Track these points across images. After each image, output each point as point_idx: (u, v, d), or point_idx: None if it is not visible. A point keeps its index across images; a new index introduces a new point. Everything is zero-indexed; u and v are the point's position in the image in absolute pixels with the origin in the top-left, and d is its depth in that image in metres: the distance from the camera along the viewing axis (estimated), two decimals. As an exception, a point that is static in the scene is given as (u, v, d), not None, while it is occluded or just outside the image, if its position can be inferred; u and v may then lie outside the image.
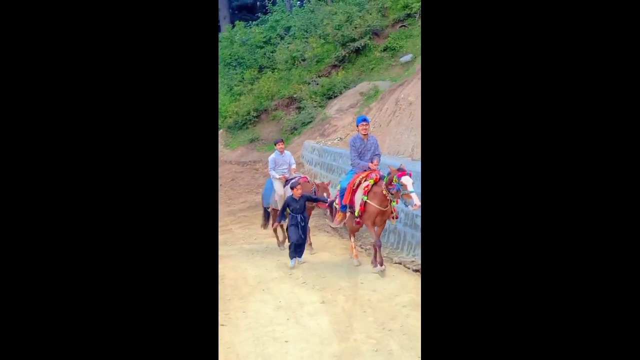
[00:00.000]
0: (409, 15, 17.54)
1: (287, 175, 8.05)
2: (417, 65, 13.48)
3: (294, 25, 21.16)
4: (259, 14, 24.77)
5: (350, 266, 6.95)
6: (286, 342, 4.49)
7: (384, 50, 17.46)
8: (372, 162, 6.68)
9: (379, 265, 6.31)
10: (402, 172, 5.90)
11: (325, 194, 7.36)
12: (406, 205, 6.04)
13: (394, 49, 17.21)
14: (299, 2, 25.36)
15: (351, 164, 7.04)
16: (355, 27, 17.88)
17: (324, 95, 17.26)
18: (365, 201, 6.41)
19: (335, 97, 16.82)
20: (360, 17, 18.13)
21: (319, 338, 4.55)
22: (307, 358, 4.17)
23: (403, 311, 5.11)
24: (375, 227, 6.53)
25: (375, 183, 6.42)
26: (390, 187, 6.09)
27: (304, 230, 7.08)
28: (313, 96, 17.34)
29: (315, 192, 7.43)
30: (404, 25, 17.64)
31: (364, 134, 6.85)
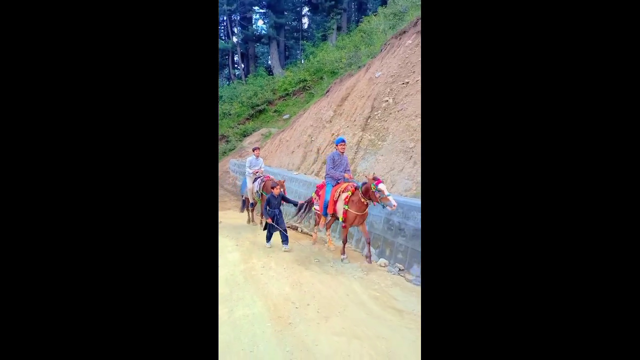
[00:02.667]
0: (287, 94, 17.96)
1: (256, 172, 6.51)
2: (291, 120, 13.75)
3: (225, 95, 20.48)
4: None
5: (255, 226, 6.76)
6: (215, 266, 4.48)
7: (274, 112, 17.65)
8: (347, 174, 5.06)
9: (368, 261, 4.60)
10: (377, 180, 4.30)
11: (282, 190, 5.66)
12: (384, 207, 4.27)
13: (279, 111, 17.46)
14: (227, 82, 24.48)
15: (326, 174, 5.19)
16: (259, 98, 17.98)
17: (241, 134, 17.00)
18: (347, 210, 4.76)
19: (248, 135, 16.60)
20: (261, 93, 18.33)
21: (233, 263, 4.61)
22: (225, 274, 4.20)
23: (281, 248, 5.30)
24: (359, 227, 4.84)
25: (353, 194, 4.78)
26: (369, 193, 4.41)
27: (280, 221, 5.40)
28: (235, 135, 17.02)
29: (273, 186, 5.61)
30: (284, 99, 17.99)
31: (342, 152, 5.07)
